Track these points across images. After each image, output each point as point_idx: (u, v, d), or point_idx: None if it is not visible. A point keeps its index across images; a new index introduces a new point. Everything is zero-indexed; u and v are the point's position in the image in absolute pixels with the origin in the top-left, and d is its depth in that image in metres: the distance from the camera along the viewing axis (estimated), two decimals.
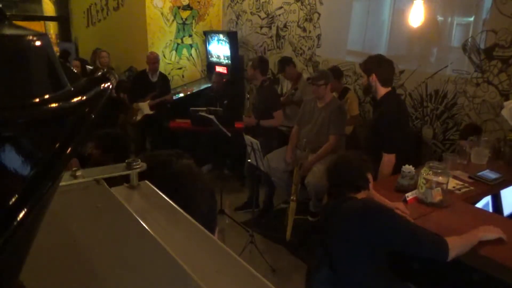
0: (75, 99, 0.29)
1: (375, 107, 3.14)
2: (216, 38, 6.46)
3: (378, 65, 2.89)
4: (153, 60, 5.43)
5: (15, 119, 0.25)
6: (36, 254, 0.35)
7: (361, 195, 2.08)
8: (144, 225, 0.51)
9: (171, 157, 0.84)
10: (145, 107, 5.33)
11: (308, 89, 4.49)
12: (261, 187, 4.26)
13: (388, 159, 2.84)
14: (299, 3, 5.55)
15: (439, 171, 2.34)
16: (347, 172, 2.13)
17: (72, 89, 0.31)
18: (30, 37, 0.28)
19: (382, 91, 2.88)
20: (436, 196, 2.34)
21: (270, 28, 6.08)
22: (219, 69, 6.29)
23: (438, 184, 2.34)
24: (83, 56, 8.00)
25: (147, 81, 5.41)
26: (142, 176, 0.67)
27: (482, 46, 3.75)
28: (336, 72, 4.43)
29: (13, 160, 0.26)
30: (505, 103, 3.14)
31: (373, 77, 2.86)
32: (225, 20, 6.91)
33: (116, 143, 2.60)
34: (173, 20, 6.54)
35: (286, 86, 5.28)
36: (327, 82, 3.82)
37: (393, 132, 2.84)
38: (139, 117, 5.35)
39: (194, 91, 6.28)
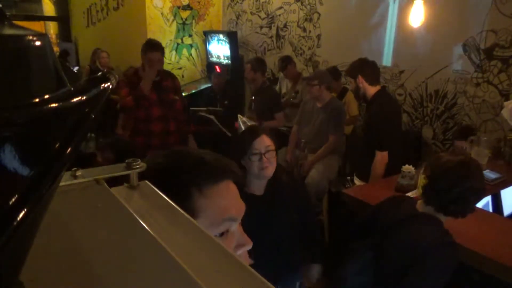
0: (75, 99, 0.29)
1: (367, 107, 3.17)
2: (216, 38, 6.46)
3: (361, 67, 2.97)
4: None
5: (15, 119, 0.25)
6: (36, 254, 0.35)
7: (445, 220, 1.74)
8: (144, 225, 0.51)
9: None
10: None
11: (306, 89, 4.50)
12: None
13: (381, 157, 2.86)
14: (299, 3, 5.55)
15: None
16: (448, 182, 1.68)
17: (72, 89, 0.31)
18: (30, 37, 0.28)
19: (371, 90, 2.92)
20: None
21: (270, 28, 6.08)
22: (218, 69, 6.30)
23: None
24: (83, 56, 8.01)
25: None
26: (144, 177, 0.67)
27: (482, 46, 3.75)
28: (334, 73, 4.44)
29: (13, 160, 0.26)
30: (505, 103, 3.15)
31: (360, 79, 2.91)
32: (225, 20, 6.91)
33: (127, 147, 2.61)
34: (173, 20, 6.54)
35: (286, 85, 5.28)
36: (321, 83, 3.80)
37: (384, 130, 2.86)
38: None
39: (194, 91, 6.28)
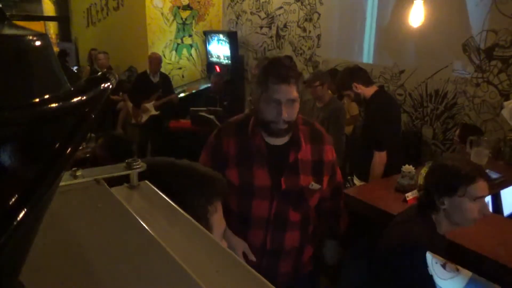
0: (75, 99, 0.29)
1: (365, 107, 3.17)
2: (216, 38, 6.47)
3: (351, 74, 2.95)
4: (157, 61, 5.42)
5: (15, 119, 0.25)
6: (36, 254, 0.35)
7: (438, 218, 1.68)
8: (144, 225, 0.51)
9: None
10: (151, 108, 5.33)
11: (307, 90, 4.49)
12: None
13: (379, 157, 2.85)
14: (299, 3, 5.55)
15: None
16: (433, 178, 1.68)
17: (72, 89, 0.31)
18: (30, 37, 0.28)
19: (369, 91, 2.92)
20: None
21: (270, 28, 6.08)
22: (218, 69, 6.30)
23: None
24: (83, 56, 8.01)
25: (149, 82, 5.38)
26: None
27: (482, 46, 3.75)
28: (334, 74, 4.44)
29: (13, 160, 0.26)
30: (505, 103, 3.14)
31: (355, 86, 2.89)
32: (225, 20, 6.91)
33: (123, 146, 2.58)
34: (173, 20, 6.54)
35: None
36: (323, 82, 3.81)
37: (383, 130, 2.86)
38: (144, 118, 5.35)
39: (194, 91, 6.29)
